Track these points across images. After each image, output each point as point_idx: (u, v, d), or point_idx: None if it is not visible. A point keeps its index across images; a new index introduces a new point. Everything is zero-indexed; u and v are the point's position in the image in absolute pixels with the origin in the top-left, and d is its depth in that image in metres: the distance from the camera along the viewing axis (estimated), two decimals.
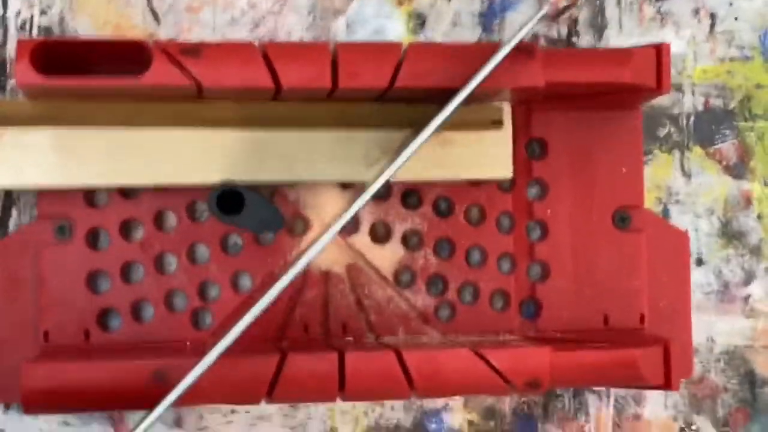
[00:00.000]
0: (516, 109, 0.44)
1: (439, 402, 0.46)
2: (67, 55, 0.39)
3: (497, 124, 0.43)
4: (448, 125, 0.39)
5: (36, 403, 0.38)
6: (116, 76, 0.38)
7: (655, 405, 0.47)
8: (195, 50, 0.38)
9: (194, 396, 0.38)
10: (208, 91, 0.39)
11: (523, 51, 0.40)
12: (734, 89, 0.48)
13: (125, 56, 0.38)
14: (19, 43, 0.37)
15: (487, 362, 0.40)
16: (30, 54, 0.37)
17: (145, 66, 0.37)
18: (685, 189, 0.48)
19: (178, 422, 0.44)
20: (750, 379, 0.48)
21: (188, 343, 0.43)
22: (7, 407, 0.43)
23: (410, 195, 0.45)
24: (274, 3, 0.45)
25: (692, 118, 0.48)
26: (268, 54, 0.38)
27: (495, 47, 0.40)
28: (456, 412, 0.46)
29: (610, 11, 0.47)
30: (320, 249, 0.38)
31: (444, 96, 0.39)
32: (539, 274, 0.46)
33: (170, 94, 0.39)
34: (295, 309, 0.44)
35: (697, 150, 0.48)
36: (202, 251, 0.44)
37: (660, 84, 0.41)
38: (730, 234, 0.48)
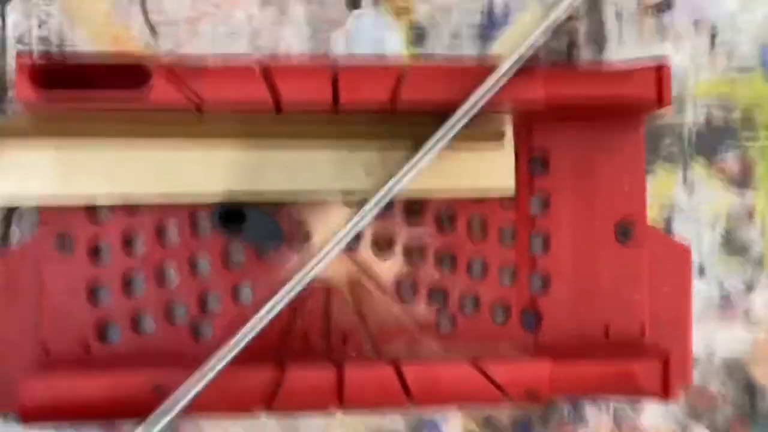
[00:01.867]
0: (518, 123, 0.44)
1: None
2: (67, 70, 0.39)
3: (499, 139, 0.43)
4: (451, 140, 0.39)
5: (34, 417, 0.38)
6: (117, 94, 0.38)
7: (654, 415, 0.47)
8: (194, 69, 0.38)
9: (192, 407, 0.38)
10: (208, 110, 0.39)
11: (524, 68, 0.39)
12: (736, 102, 0.48)
13: (126, 73, 0.38)
14: (19, 60, 0.37)
15: (486, 375, 0.40)
16: (30, 69, 0.37)
17: (145, 83, 0.37)
18: (687, 202, 0.47)
19: (175, 431, 0.45)
20: (749, 390, 0.48)
21: (188, 356, 0.43)
22: (5, 416, 0.44)
23: (412, 207, 0.45)
24: (273, 15, 0.45)
25: (694, 132, 0.48)
26: (268, 71, 0.38)
27: (495, 64, 0.39)
28: (454, 422, 0.46)
29: (610, 24, 0.47)
30: (319, 267, 0.38)
31: (446, 111, 0.39)
32: (540, 286, 0.46)
33: (171, 110, 0.39)
34: (296, 320, 0.44)
35: (700, 163, 0.48)
36: (203, 264, 0.44)
37: (661, 99, 0.41)
38: (732, 247, 0.48)
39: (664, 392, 0.41)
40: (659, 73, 0.40)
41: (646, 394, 0.41)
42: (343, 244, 0.38)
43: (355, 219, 0.38)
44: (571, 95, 0.40)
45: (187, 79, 0.37)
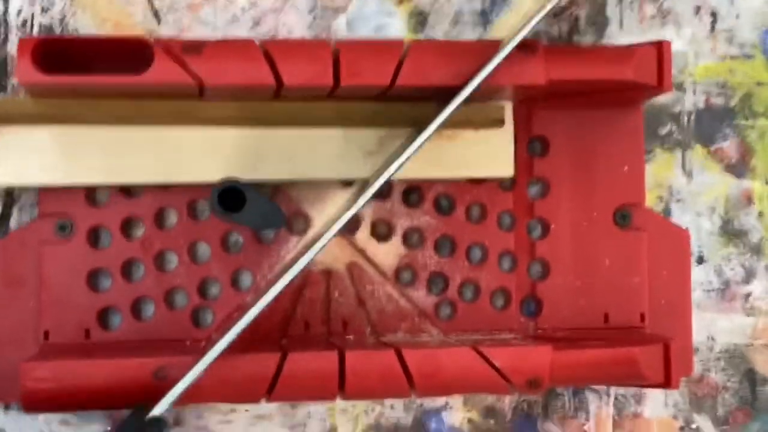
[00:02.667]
0: (517, 107, 0.44)
1: (439, 401, 0.46)
2: (68, 53, 0.39)
3: (499, 123, 0.43)
4: (450, 124, 0.39)
5: (36, 402, 0.38)
6: (118, 74, 0.38)
7: (656, 404, 0.47)
8: (196, 47, 0.38)
9: (194, 395, 0.38)
10: (209, 89, 0.39)
11: (525, 48, 0.39)
12: (735, 87, 0.48)
13: (127, 53, 0.38)
14: (21, 41, 0.37)
15: (488, 361, 0.40)
16: (31, 52, 0.37)
17: (146, 63, 0.37)
18: (686, 188, 0.48)
19: (177, 421, 0.44)
20: (750, 377, 0.48)
21: (188, 342, 0.43)
22: (7, 407, 0.43)
23: (411, 193, 0.45)
24: (274, 1, 0.45)
25: (693, 117, 0.48)
26: (270, 52, 0.38)
27: (497, 45, 0.40)
28: (456, 411, 0.46)
29: (611, 9, 0.47)
30: (318, 250, 0.38)
31: (446, 94, 0.39)
32: (540, 272, 0.46)
33: (172, 92, 0.39)
34: (297, 307, 0.44)
35: (699, 148, 0.48)
36: (203, 249, 0.44)
37: (661, 82, 0.41)
38: (731, 232, 0.48)
39: (666, 380, 0.41)
40: (660, 54, 0.41)
41: (648, 382, 0.41)
42: (342, 227, 0.38)
43: (355, 203, 0.38)
44: (572, 75, 0.40)
45: (188, 58, 0.37)
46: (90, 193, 0.43)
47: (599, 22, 0.47)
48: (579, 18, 0.47)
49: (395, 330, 0.45)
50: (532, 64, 0.39)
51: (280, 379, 0.39)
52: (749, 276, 0.48)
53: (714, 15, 0.48)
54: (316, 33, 0.45)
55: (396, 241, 0.45)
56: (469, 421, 0.46)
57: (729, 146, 0.48)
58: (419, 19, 0.46)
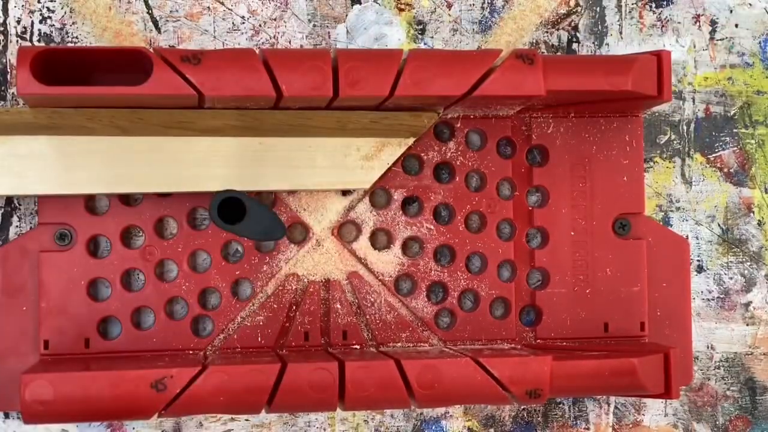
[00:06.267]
0: (517, 116, 0.44)
1: (438, 409, 0.46)
2: (68, 62, 0.39)
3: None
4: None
5: (36, 414, 0.38)
6: (117, 83, 0.38)
7: (655, 412, 0.47)
8: (195, 58, 0.38)
9: (194, 405, 0.38)
10: (209, 99, 0.39)
11: (524, 59, 0.39)
12: (734, 96, 0.48)
13: (126, 63, 0.38)
14: (20, 50, 0.37)
15: (487, 371, 0.40)
16: (30, 63, 0.37)
17: (145, 73, 0.37)
18: (685, 196, 0.48)
19: (177, 430, 0.44)
20: (750, 386, 0.48)
21: (189, 351, 0.43)
22: (6, 415, 0.43)
23: (411, 202, 0.45)
24: (274, 10, 0.45)
25: (693, 126, 0.48)
26: (269, 61, 0.38)
27: (496, 54, 0.40)
28: (456, 420, 0.46)
29: (611, 18, 0.47)
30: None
31: (445, 102, 0.39)
32: (539, 281, 0.46)
33: (171, 101, 0.39)
34: (296, 316, 0.44)
35: (698, 157, 0.48)
36: (203, 258, 0.44)
37: (661, 92, 0.41)
38: (730, 241, 0.48)
39: (666, 389, 0.41)
40: (660, 63, 0.40)
41: (648, 392, 0.41)
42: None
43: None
44: (571, 86, 0.40)
45: (187, 69, 0.37)
46: (90, 202, 0.43)
47: (599, 31, 0.47)
48: (578, 27, 0.47)
49: (395, 340, 0.45)
50: (531, 75, 0.39)
51: (280, 390, 0.39)
52: (749, 285, 0.48)
53: (713, 24, 0.48)
54: (316, 42, 0.45)
55: (396, 250, 0.45)
56: (469, 429, 0.46)
57: (728, 155, 0.48)
58: (418, 28, 0.46)
